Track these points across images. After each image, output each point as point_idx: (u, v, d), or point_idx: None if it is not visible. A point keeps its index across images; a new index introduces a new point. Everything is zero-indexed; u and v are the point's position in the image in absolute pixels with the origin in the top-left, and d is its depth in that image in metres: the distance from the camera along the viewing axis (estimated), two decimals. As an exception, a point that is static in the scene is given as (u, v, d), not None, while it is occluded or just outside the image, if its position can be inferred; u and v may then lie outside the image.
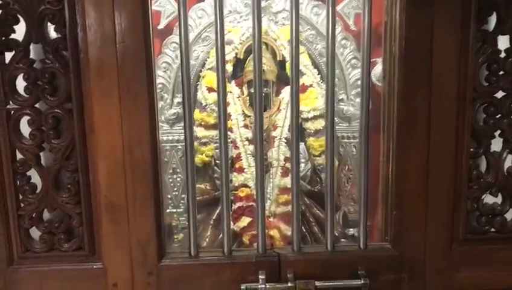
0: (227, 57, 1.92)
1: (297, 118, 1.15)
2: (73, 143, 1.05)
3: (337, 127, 2.02)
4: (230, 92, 1.93)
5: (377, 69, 1.89)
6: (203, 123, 1.93)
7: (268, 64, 1.89)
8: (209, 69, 1.94)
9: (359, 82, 1.92)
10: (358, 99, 2.01)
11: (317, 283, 1.07)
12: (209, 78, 1.92)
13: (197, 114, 1.92)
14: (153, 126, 1.05)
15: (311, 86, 1.92)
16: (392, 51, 1.07)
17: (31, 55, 1.04)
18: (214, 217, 1.86)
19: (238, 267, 1.10)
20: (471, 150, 1.09)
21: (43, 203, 1.09)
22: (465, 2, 1.02)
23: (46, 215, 1.12)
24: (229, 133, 1.86)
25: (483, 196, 1.13)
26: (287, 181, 1.84)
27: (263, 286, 1.06)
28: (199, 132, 1.92)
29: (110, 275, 1.09)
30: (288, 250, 1.15)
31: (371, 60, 1.81)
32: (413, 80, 1.04)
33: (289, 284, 1.07)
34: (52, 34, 1.03)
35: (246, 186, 1.86)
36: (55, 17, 1.00)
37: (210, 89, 1.91)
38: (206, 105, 1.92)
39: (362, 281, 1.07)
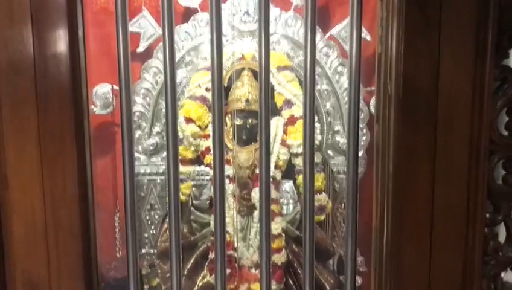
0: (208, 85, 1.72)
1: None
2: (-19, 201, 0.83)
3: (332, 161, 1.84)
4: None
5: (376, 100, 1.71)
6: (180, 158, 1.72)
7: (253, 94, 1.68)
8: (188, 97, 1.73)
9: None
10: (356, 132, 1.79)
11: None
12: (188, 107, 1.71)
13: (173, 147, 1.71)
14: (83, 179, 0.83)
15: (301, 117, 1.71)
16: (387, 90, 0.85)
17: None
18: (188, 267, 1.64)
19: None
20: (487, 215, 0.87)
21: None
22: (480, 30, 0.80)
23: None
24: (207, 169, 1.68)
25: (502, 274, 0.90)
26: (274, 226, 1.61)
27: None
28: (175, 167, 1.71)
29: None
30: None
31: (369, 89, 1.63)
32: (413, 129, 0.82)
33: None
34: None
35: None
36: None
37: (188, 120, 1.71)
38: (183, 138, 1.71)
39: None
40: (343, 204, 1.87)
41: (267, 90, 0.87)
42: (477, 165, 0.85)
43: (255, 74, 1.70)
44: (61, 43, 0.79)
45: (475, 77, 0.82)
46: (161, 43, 1.76)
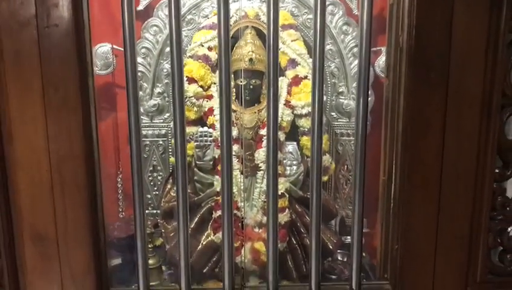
0: (211, 43, 1.69)
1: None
2: (-14, 157, 0.82)
3: (335, 123, 1.83)
4: (214, 84, 1.70)
5: (382, 60, 1.68)
6: (182, 118, 1.70)
7: (257, 53, 1.64)
8: (190, 56, 1.70)
9: (362, 73, 1.76)
10: (360, 93, 1.76)
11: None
12: (190, 67, 1.68)
13: (175, 108, 1.69)
14: (88, 135, 0.82)
15: (305, 77, 1.68)
16: (399, 42, 0.83)
17: None
18: (192, 226, 1.65)
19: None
20: (496, 171, 0.86)
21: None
22: (496, -20, 0.77)
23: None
24: (210, 130, 1.66)
25: (509, 229, 0.90)
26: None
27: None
28: (178, 128, 1.69)
29: (39, 318, 0.87)
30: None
31: (375, 49, 1.59)
32: (424, 82, 0.80)
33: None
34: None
35: (228, 191, 1.63)
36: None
37: (190, 80, 1.68)
38: (186, 98, 1.68)
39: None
40: (346, 166, 1.87)
41: (275, 46, 0.85)
42: (488, 119, 0.84)
43: (258, 33, 1.66)
44: (62, -8, 0.76)
45: (489, 28, 0.79)
46: (162, 1, 1.73)
